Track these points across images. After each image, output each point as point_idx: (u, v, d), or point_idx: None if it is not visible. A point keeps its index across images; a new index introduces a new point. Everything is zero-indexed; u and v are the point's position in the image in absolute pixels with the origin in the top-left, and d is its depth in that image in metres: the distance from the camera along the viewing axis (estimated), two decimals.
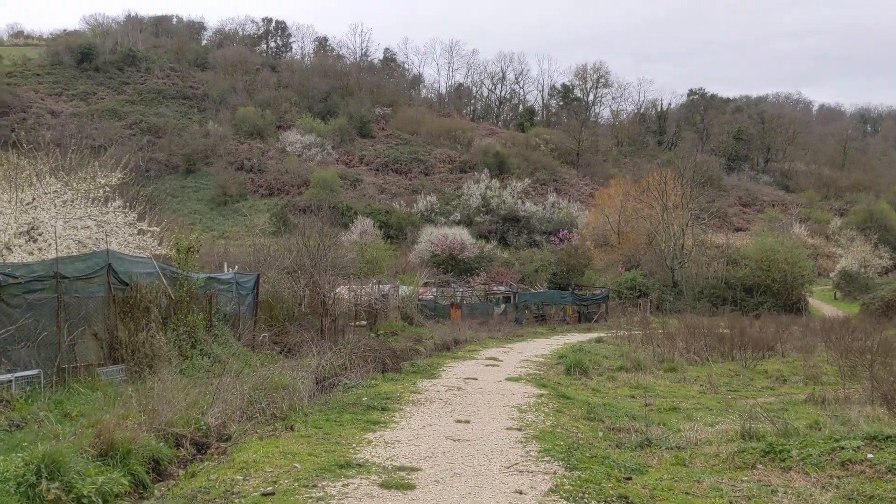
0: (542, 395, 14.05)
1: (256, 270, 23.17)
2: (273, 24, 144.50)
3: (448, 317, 38.08)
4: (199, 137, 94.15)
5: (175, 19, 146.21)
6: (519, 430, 10.59)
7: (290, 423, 10.01)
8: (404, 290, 35.15)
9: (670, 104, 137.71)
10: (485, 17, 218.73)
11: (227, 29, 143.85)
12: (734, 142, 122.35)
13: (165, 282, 14.25)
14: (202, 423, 9.51)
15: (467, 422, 11.04)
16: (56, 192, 15.43)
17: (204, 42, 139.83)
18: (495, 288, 50.99)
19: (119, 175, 16.77)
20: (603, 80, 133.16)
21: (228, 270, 23.14)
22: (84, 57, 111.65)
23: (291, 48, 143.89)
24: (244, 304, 18.83)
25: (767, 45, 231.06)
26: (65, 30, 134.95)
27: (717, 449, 9.38)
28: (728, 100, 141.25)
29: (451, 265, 59.49)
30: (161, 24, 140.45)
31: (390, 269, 44.42)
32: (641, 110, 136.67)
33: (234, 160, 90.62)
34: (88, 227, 15.03)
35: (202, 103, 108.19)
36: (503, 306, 45.63)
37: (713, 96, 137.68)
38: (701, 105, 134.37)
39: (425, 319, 34.03)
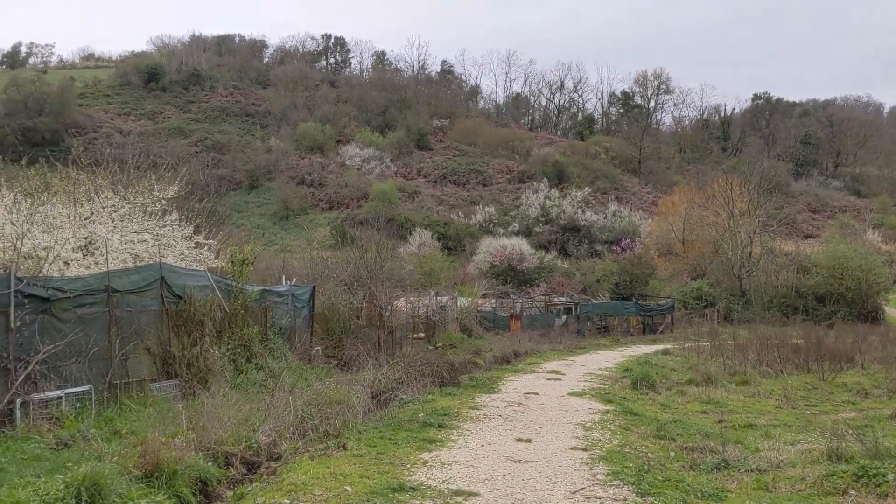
0: (607, 412, 13.37)
1: (314, 283, 23.02)
2: (332, 40, 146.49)
3: (508, 329, 37.45)
4: (261, 153, 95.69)
5: (238, 38, 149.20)
6: (584, 449, 9.96)
7: (342, 442, 9.60)
8: (463, 301, 34.66)
9: (734, 109, 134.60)
10: (541, 26, 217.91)
11: (287, 46, 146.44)
12: (802, 146, 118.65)
13: (220, 295, 14.07)
14: (253, 440, 9.17)
15: (528, 441, 10.46)
16: (114, 206, 15.45)
17: (266, 60, 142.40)
18: (556, 299, 50.06)
19: (176, 188, 16.77)
20: (664, 87, 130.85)
21: (286, 283, 23.03)
22: (151, 77, 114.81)
23: (350, 63, 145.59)
24: (300, 316, 18.61)
25: (833, 46, 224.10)
26: (133, 51, 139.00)
27: (802, 471, 8.62)
28: (794, 103, 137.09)
29: (511, 276, 58.77)
30: (224, 44, 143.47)
31: (448, 280, 44.00)
32: (704, 116, 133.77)
33: (295, 175, 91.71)
34: (145, 240, 14.99)
35: (264, 120, 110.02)
36: (564, 317, 44.74)
37: (779, 100, 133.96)
38: (766, 109, 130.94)
39: (484, 331, 33.50)
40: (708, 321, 44.35)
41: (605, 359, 26.75)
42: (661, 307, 48.00)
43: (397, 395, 14.02)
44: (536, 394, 15.67)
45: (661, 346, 32.99)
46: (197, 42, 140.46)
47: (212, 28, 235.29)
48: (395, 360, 17.64)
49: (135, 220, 15.43)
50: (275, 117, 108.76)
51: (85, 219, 15.18)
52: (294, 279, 24.64)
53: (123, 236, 14.83)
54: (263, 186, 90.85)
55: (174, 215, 16.52)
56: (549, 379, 19.26)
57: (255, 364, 14.15)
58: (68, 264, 13.62)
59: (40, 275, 10.76)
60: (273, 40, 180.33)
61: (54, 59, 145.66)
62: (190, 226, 17.10)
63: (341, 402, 12.06)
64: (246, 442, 9.08)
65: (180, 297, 12.97)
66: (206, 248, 17.06)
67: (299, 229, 78.51)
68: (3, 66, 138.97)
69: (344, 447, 9.34)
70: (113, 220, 15.31)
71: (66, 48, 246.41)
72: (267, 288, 17.46)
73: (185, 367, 12.33)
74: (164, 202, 16.38)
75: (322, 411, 11.14)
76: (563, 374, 20.49)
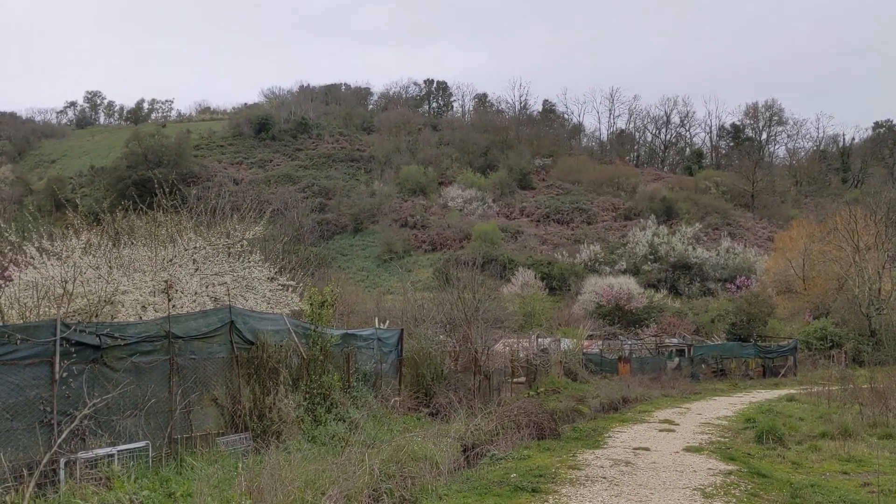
0: (730, 473, 11.60)
1: (409, 325, 22.07)
2: (434, 85, 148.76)
3: (615, 372, 35.44)
4: (365, 197, 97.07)
5: (343, 87, 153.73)
6: None
7: None
8: (567, 343, 32.96)
9: (853, 139, 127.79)
10: (643, 65, 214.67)
11: (391, 93, 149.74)
12: None
13: (297, 339, 13.20)
14: None
15: None
16: (196, 248, 14.96)
17: (370, 107, 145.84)
18: (667, 340, 47.54)
19: (259, 228, 16.21)
20: (776, 118, 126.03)
21: (379, 325, 22.19)
22: (261, 127, 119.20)
23: (452, 107, 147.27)
24: (386, 361, 17.58)
25: None
26: (245, 104, 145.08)
27: None
28: None
29: (618, 316, 56.56)
30: (330, 93, 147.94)
31: (552, 321, 42.31)
32: (821, 147, 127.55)
33: (398, 217, 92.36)
34: (225, 283, 14.37)
35: (368, 164, 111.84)
36: (677, 360, 42.21)
37: None
38: (889, 138, 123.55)
39: (590, 375, 31.67)
40: (835, 363, 40.94)
41: (723, 406, 24.61)
42: (783, 348, 44.77)
43: (489, 450, 12.70)
44: (647, 449, 13.99)
45: (784, 391, 30.47)
46: (305, 92, 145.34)
47: (319, 78, 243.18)
48: (489, 409, 16.34)
49: (215, 263, 14.86)
50: (378, 162, 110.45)
51: (168, 261, 14.70)
52: (387, 321, 23.80)
53: (203, 279, 14.25)
54: (368, 229, 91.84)
55: (256, 255, 15.88)
56: (661, 430, 17.47)
57: (336, 414, 13.12)
58: (146, 308, 13.09)
59: (94, 320, 10.13)
60: (377, 87, 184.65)
61: (173, 113, 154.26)
62: (274, 267, 16.44)
63: (426, 457, 10.88)
64: None
65: (252, 343, 12.16)
66: (290, 289, 16.37)
67: (402, 271, 78.51)
68: (127, 122, 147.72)
69: None
70: (195, 262, 14.79)
71: (184, 103, 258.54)
72: (349, 331, 16.54)
73: (256, 418, 11.43)
74: (246, 243, 15.78)
75: (402, 469, 9.99)
76: (677, 425, 18.64)
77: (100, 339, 9.37)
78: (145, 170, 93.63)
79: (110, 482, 8.46)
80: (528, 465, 11.65)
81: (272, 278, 16.24)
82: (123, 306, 12.94)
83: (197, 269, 14.65)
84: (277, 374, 12.02)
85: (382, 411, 14.94)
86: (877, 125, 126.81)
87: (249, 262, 15.95)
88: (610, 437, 15.91)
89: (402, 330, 18.97)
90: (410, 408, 16.87)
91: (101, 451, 8.86)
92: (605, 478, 10.90)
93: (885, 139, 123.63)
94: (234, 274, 14.91)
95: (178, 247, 15.04)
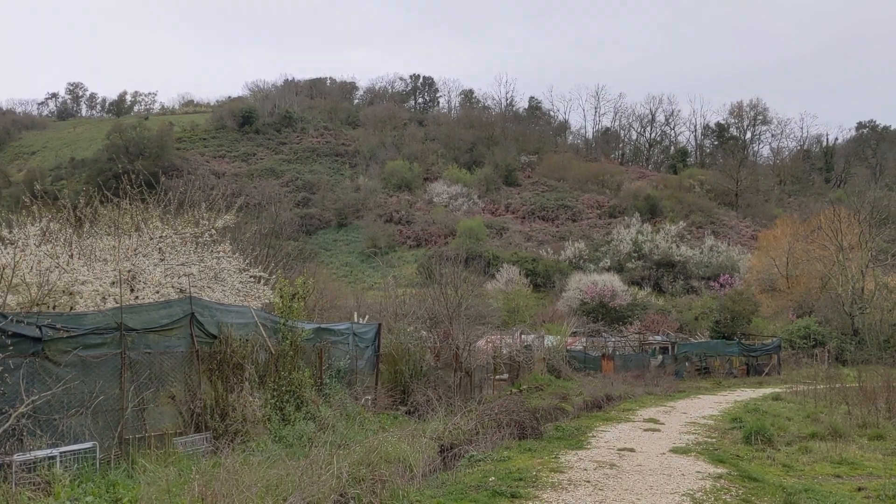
0: (720, 476, 11.02)
1: (390, 321, 21.44)
2: (420, 80, 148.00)
3: (599, 369, 35.00)
4: (350, 192, 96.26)
5: (329, 81, 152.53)
6: None
7: None
8: (550, 340, 32.47)
9: (836, 139, 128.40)
10: (628, 64, 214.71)
11: (377, 87, 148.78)
12: None
13: (265, 333, 12.50)
14: None
15: None
16: (161, 237, 14.22)
17: (355, 101, 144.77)
18: (651, 338, 47.21)
19: (229, 217, 15.46)
20: (761, 117, 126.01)
21: (359, 320, 21.54)
22: (245, 120, 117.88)
23: (438, 102, 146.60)
24: (362, 357, 16.92)
25: None
26: (229, 97, 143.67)
27: None
28: None
29: (602, 314, 56.22)
30: (315, 87, 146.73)
31: (536, 317, 41.81)
32: (805, 146, 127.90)
33: (383, 213, 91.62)
34: (191, 273, 13.64)
35: (353, 159, 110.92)
36: (660, 357, 41.87)
37: (885, 128, 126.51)
38: (872, 138, 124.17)
39: (574, 372, 31.20)
40: (818, 362, 40.69)
41: (708, 405, 24.13)
42: (767, 347, 44.52)
43: (468, 451, 12.08)
44: (632, 450, 13.40)
45: (768, 390, 30.11)
46: (289, 86, 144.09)
47: (304, 72, 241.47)
48: (470, 407, 15.72)
49: (183, 252, 14.12)
50: (364, 156, 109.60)
51: (132, 251, 13.96)
52: (367, 316, 23.15)
53: (169, 269, 13.51)
54: (352, 224, 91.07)
55: (226, 246, 15.12)
56: (646, 430, 16.91)
57: (306, 413, 12.44)
58: (105, 299, 12.35)
59: (34, 310, 9.40)
60: (363, 82, 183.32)
61: (156, 106, 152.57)
62: (245, 258, 15.71)
63: (399, 459, 10.25)
64: None
65: (215, 337, 11.46)
66: (262, 281, 15.65)
67: (388, 267, 77.76)
68: (109, 114, 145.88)
69: None
70: (161, 252, 14.07)
71: (168, 95, 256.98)
72: (322, 326, 15.84)
73: (218, 417, 10.73)
74: (215, 232, 15.04)
75: (374, 472, 9.34)
76: (663, 424, 18.09)
77: (40, 330, 8.63)
78: (127, 162, 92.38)
79: (51, 487, 7.76)
80: (507, 467, 11.02)
81: (243, 269, 15.53)
82: (82, 297, 12.21)
83: (162, 259, 13.93)
84: (242, 370, 11.32)
85: (357, 410, 14.28)
86: (860, 125, 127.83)
87: (218, 252, 15.22)
88: (594, 436, 15.33)
89: (379, 324, 18.30)
90: (387, 406, 16.22)
91: (41, 453, 8.12)
92: (588, 482, 10.27)
93: (867, 139, 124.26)
94: (202, 264, 14.18)
95: (143, 236, 14.30)
